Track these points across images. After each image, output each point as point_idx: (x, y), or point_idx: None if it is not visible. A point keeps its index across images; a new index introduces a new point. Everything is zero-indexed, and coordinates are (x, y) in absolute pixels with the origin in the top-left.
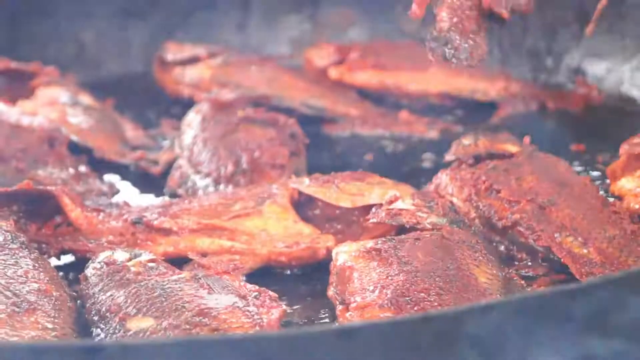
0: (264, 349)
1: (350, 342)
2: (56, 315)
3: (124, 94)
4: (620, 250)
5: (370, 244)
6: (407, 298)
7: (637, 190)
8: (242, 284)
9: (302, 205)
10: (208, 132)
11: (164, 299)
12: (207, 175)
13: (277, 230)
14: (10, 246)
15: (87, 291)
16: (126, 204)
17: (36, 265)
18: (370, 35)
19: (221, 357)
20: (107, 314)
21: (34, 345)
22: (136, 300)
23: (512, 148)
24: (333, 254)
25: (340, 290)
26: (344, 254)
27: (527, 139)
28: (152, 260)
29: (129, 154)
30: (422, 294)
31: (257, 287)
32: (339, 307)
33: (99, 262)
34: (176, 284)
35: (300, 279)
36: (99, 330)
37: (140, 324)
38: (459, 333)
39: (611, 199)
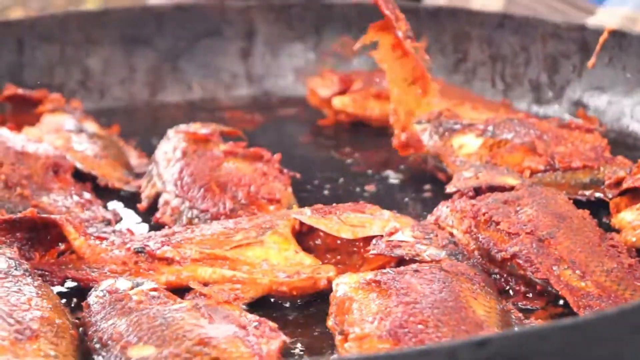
0: None
1: None
2: (58, 342)
3: (129, 121)
4: (618, 283)
5: (369, 275)
6: (406, 330)
7: (635, 223)
8: (243, 313)
9: (304, 235)
10: (193, 167)
11: (165, 328)
12: (204, 211)
13: (279, 260)
14: (13, 273)
15: (89, 319)
16: (130, 231)
17: (39, 292)
18: (374, 64)
19: None
20: (109, 342)
21: None
22: (137, 329)
23: (512, 181)
24: (333, 285)
25: (339, 320)
26: (343, 285)
27: (526, 173)
28: (153, 289)
29: (133, 182)
30: (420, 326)
31: (257, 317)
32: (338, 338)
33: (101, 291)
34: (177, 312)
35: (301, 309)
36: (100, 358)
37: (142, 352)
38: None
39: (611, 233)
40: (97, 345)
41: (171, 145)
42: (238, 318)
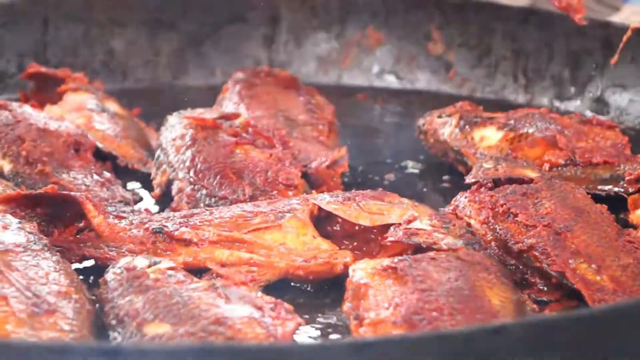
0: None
1: (362, 356)
2: (74, 317)
3: (150, 103)
4: (634, 278)
5: (386, 262)
6: (420, 316)
7: None
8: (259, 295)
9: (322, 221)
10: (205, 153)
11: (181, 306)
12: (223, 198)
13: (296, 245)
14: (32, 247)
15: (106, 295)
16: (148, 211)
17: (57, 267)
18: (396, 56)
19: None
20: (125, 319)
21: (51, 346)
22: (154, 307)
23: (532, 174)
24: (350, 271)
25: (355, 305)
26: (360, 270)
27: (546, 166)
28: (171, 268)
29: (153, 163)
30: (435, 313)
31: (273, 299)
32: (353, 322)
33: (119, 268)
34: (194, 292)
35: (316, 293)
36: (116, 334)
37: (157, 330)
38: (469, 352)
39: (628, 229)
40: (113, 322)
41: (178, 131)
42: (254, 299)
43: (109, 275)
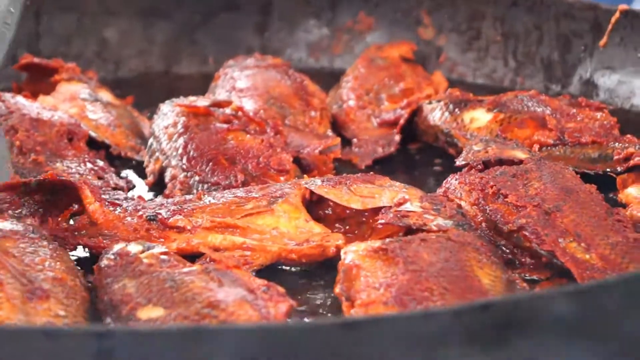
0: (268, 340)
1: (352, 335)
2: (69, 303)
3: (144, 92)
4: (622, 256)
5: (377, 243)
6: (411, 297)
7: None
8: (252, 278)
9: (314, 205)
10: (198, 140)
11: (174, 290)
12: (215, 184)
13: (288, 229)
14: (30, 235)
15: (100, 281)
16: (141, 198)
17: (54, 254)
18: (387, 41)
19: (227, 346)
20: (119, 303)
21: (45, 330)
22: (147, 291)
23: (521, 155)
24: (341, 253)
25: (346, 287)
26: (351, 253)
27: (535, 147)
28: (164, 253)
29: (145, 151)
30: (426, 293)
31: (266, 282)
32: (345, 304)
33: (112, 254)
34: (187, 276)
35: (309, 276)
36: (110, 319)
37: (151, 314)
38: (457, 329)
39: (617, 208)
40: (107, 307)
41: (170, 119)
42: (247, 282)
43: (103, 262)
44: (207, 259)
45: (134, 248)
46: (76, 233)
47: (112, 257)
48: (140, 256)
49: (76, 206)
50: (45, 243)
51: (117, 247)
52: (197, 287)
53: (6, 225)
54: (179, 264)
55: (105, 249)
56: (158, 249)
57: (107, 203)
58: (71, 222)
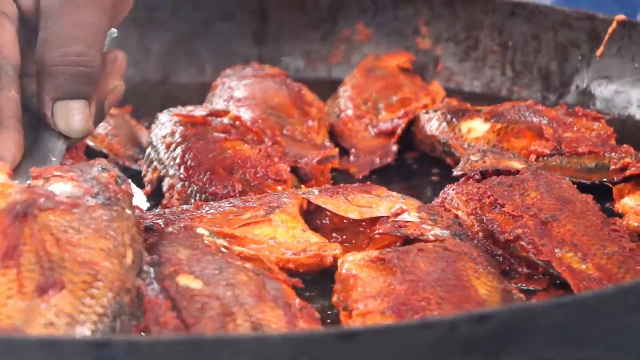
0: (267, 349)
1: (349, 345)
2: (90, 299)
3: (141, 102)
4: (619, 266)
5: (374, 253)
6: (408, 306)
7: (638, 208)
8: (294, 296)
9: (311, 214)
10: (195, 150)
11: (219, 273)
12: (213, 194)
13: (286, 238)
14: (87, 203)
15: (156, 242)
16: (139, 209)
17: (104, 226)
18: (385, 51)
19: (225, 357)
20: (166, 262)
21: (43, 339)
22: (195, 262)
23: (518, 165)
24: (339, 263)
25: (344, 297)
26: (348, 262)
27: (532, 157)
28: (226, 247)
29: (143, 160)
30: (423, 303)
31: (305, 303)
32: (343, 314)
33: (179, 225)
34: (237, 268)
35: (306, 286)
36: (151, 269)
37: (190, 283)
38: (454, 340)
39: (614, 217)
40: (154, 259)
41: (168, 128)
42: (288, 297)
43: (168, 228)
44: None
45: (201, 230)
46: None
47: (178, 227)
48: (204, 236)
49: None
50: (99, 213)
51: (185, 223)
52: (240, 279)
53: (64, 188)
54: (235, 258)
55: None
56: (222, 241)
57: None
58: None
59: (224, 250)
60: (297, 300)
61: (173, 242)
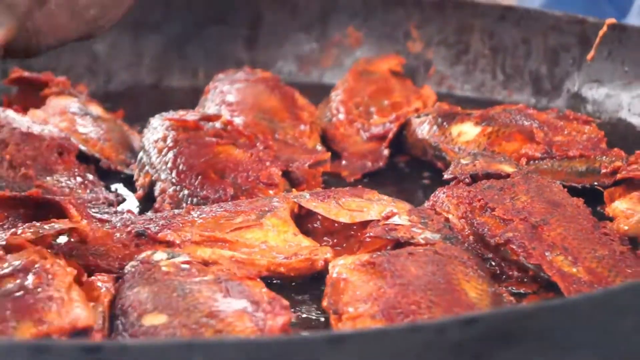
0: (256, 353)
1: (338, 349)
2: None
3: (134, 106)
4: (609, 270)
5: (365, 257)
6: (398, 310)
7: (628, 211)
8: (262, 290)
9: (302, 218)
10: (187, 154)
11: (180, 299)
12: (205, 198)
13: (277, 242)
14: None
15: (119, 286)
16: (131, 212)
17: None
18: (377, 54)
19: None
20: (129, 309)
21: (34, 345)
22: (156, 298)
23: (508, 168)
24: (329, 267)
25: (334, 301)
26: (339, 266)
27: (522, 160)
28: (186, 262)
29: (135, 164)
30: (413, 307)
31: (273, 295)
32: (333, 317)
33: (137, 260)
34: (196, 285)
35: (297, 290)
36: (119, 322)
37: (154, 321)
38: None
39: (604, 221)
40: (119, 312)
41: (160, 133)
42: (253, 294)
43: (127, 267)
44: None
45: (158, 256)
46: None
47: (135, 263)
48: (160, 264)
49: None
50: None
51: (142, 255)
52: (202, 297)
53: None
54: (196, 273)
55: (95, 266)
56: (182, 257)
57: (95, 220)
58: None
59: (184, 267)
60: (265, 291)
61: (133, 285)
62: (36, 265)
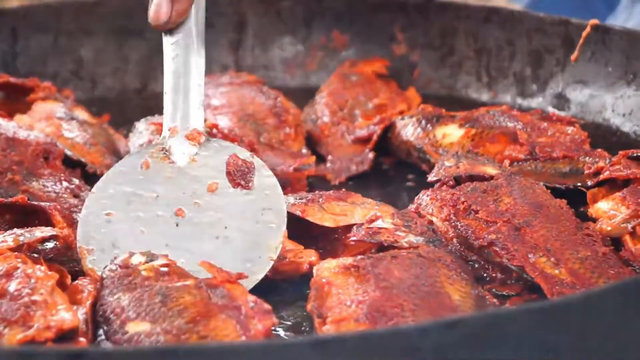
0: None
1: (322, 353)
2: None
3: (120, 111)
4: (592, 271)
5: (349, 260)
6: (382, 313)
7: (611, 212)
8: (244, 294)
9: (287, 222)
10: None
11: (162, 305)
12: None
13: None
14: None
15: (99, 292)
16: None
17: None
18: (361, 58)
19: None
20: (111, 316)
21: (18, 351)
22: (138, 305)
23: (492, 170)
24: (314, 270)
25: (318, 304)
26: (323, 270)
27: (506, 162)
28: (165, 265)
29: None
30: (397, 310)
31: (255, 298)
32: (317, 321)
33: (115, 264)
34: (178, 291)
35: (282, 293)
36: (101, 331)
37: (137, 328)
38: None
39: (587, 222)
40: (101, 319)
41: (145, 137)
42: (236, 298)
43: (105, 272)
44: None
45: (136, 259)
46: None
47: (114, 267)
48: (139, 268)
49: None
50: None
51: (120, 258)
52: (184, 302)
53: None
54: (177, 278)
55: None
56: (160, 260)
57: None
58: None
59: (163, 270)
60: (250, 297)
61: (113, 291)
62: (18, 271)
